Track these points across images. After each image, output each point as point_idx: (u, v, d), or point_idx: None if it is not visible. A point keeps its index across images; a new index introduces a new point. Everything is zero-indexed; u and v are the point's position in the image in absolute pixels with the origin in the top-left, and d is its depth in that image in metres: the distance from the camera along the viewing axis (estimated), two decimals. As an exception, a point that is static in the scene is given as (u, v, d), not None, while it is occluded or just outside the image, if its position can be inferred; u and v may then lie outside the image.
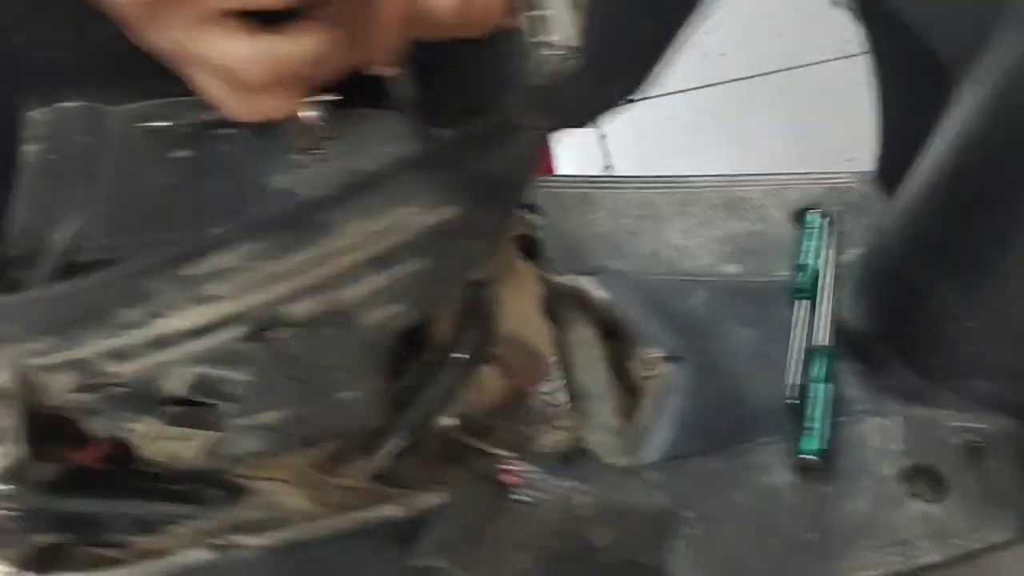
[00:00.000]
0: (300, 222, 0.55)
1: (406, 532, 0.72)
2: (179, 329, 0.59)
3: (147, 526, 0.66)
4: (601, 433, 0.91)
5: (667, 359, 1.03)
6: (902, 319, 1.00)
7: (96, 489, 0.64)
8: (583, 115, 0.60)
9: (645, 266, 1.08)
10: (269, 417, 0.66)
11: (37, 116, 0.81)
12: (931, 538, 0.90)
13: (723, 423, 0.99)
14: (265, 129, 0.81)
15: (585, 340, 0.99)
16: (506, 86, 0.58)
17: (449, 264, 0.66)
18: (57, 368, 0.59)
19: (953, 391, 0.97)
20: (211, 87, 0.51)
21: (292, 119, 0.81)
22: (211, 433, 0.67)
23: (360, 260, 0.59)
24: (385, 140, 0.80)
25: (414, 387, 0.73)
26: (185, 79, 0.58)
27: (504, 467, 0.73)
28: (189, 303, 0.57)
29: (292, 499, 0.71)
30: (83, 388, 0.61)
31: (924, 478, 0.94)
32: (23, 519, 0.60)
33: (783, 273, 1.08)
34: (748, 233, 1.11)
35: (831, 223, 1.10)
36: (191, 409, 0.65)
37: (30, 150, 0.79)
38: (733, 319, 1.06)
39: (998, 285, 0.89)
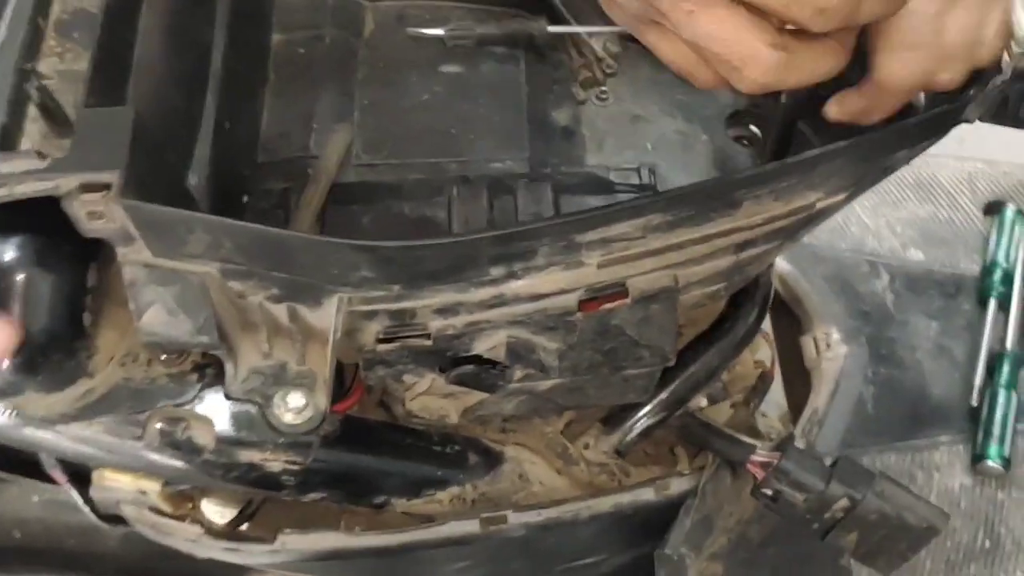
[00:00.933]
0: (720, 197, 0.48)
1: (655, 519, 0.68)
2: (523, 293, 0.53)
3: (413, 488, 0.62)
4: (768, 415, 0.88)
5: (845, 341, 0.99)
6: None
7: (370, 445, 0.59)
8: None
9: (830, 240, 1.03)
10: (548, 384, 0.61)
11: (284, 1, 0.72)
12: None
13: (900, 417, 0.96)
14: (543, 55, 0.74)
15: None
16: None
17: (781, 246, 0.60)
18: (379, 316, 0.53)
19: None
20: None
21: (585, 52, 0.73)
22: (477, 393, 0.62)
23: (734, 241, 0.54)
24: (672, 87, 0.73)
25: (679, 365, 0.68)
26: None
27: (756, 458, 0.69)
28: (557, 268, 0.51)
29: (541, 470, 0.67)
30: (388, 338, 0.55)
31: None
32: (301, 473, 0.55)
33: (970, 267, 1.04)
34: (936, 219, 1.06)
35: (1024, 221, 1.05)
36: (478, 369, 0.59)
37: (277, 40, 0.71)
38: (916, 309, 1.02)
39: None
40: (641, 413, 0.69)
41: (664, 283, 0.56)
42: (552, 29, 0.72)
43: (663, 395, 0.68)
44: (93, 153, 0.43)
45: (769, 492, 0.70)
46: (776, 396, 0.93)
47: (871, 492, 0.67)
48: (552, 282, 0.52)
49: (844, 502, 0.68)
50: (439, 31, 0.71)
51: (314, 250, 0.46)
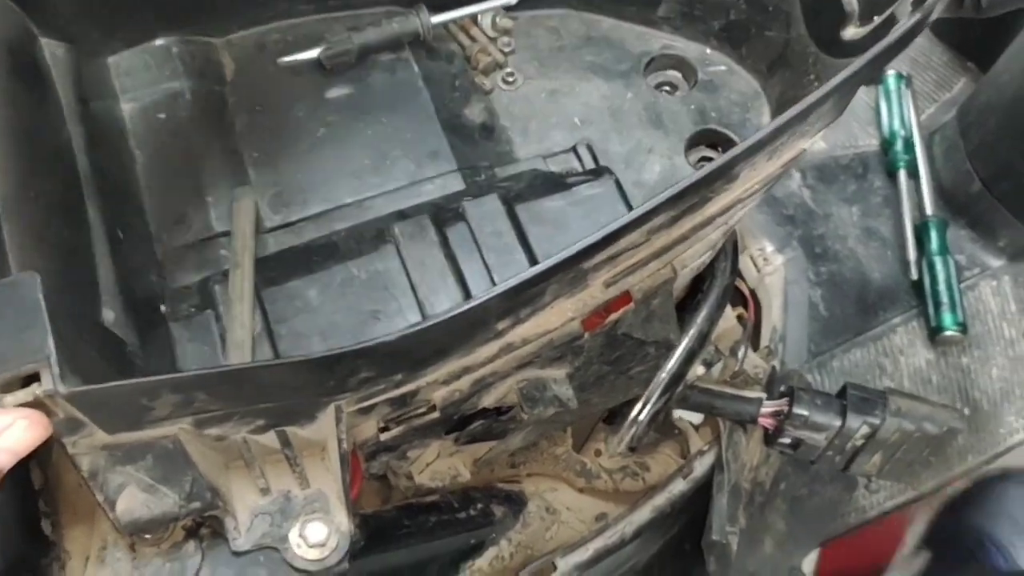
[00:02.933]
0: (720, 176, 0.43)
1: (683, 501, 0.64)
2: (530, 334, 0.46)
3: (452, 568, 0.55)
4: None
5: (780, 250, 0.97)
6: (1009, 178, 0.98)
7: (397, 540, 0.52)
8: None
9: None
10: (553, 408, 0.56)
11: (123, 62, 0.61)
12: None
13: (853, 311, 0.95)
14: (433, 49, 0.65)
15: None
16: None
17: (761, 198, 0.56)
18: (378, 407, 0.45)
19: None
20: None
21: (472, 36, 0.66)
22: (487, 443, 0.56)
23: (724, 206, 0.49)
24: (577, 49, 0.67)
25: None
26: None
27: (765, 410, 0.66)
28: (563, 299, 0.44)
29: (565, 496, 0.62)
30: (389, 424, 0.48)
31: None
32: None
33: (870, 143, 1.03)
34: (825, 104, 1.05)
35: (907, 84, 1.05)
36: (488, 422, 0.53)
37: (129, 109, 0.60)
38: (833, 198, 1.01)
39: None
40: (645, 403, 0.64)
41: (665, 276, 0.51)
42: (437, 19, 0.64)
43: (662, 378, 0.63)
44: (4, 342, 0.34)
45: (787, 440, 0.67)
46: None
47: (888, 414, 0.65)
48: (559, 314, 0.46)
49: (864, 429, 0.66)
50: (312, 53, 0.62)
51: (303, 371, 0.39)
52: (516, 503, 0.59)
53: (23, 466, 0.41)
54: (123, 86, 0.60)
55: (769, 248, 0.97)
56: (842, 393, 0.67)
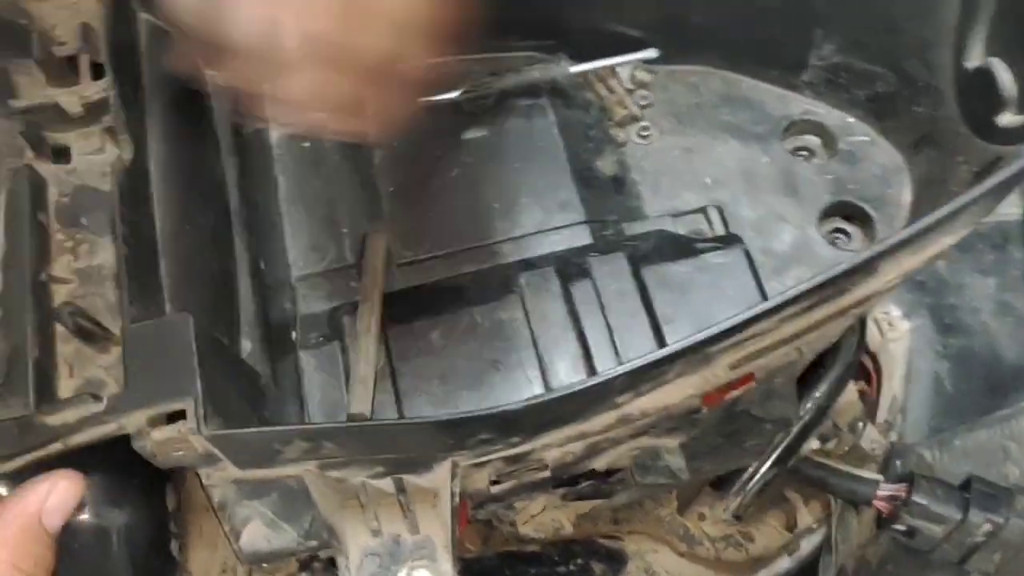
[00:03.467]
0: (861, 270, 0.42)
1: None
2: (649, 408, 0.46)
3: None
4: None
5: (907, 316, 0.93)
6: None
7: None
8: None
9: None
10: (661, 479, 0.55)
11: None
12: None
13: (980, 389, 0.91)
14: (570, 97, 0.66)
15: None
16: None
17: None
18: (492, 463, 0.46)
19: None
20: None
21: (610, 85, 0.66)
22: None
23: (860, 298, 0.47)
24: (716, 108, 0.66)
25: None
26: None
27: (881, 493, 0.64)
28: (686, 377, 0.44)
29: (665, 559, 0.61)
30: (500, 479, 0.49)
31: None
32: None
33: (1011, 211, 0.99)
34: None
35: (1059, 154, 1.00)
36: (597, 482, 0.53)
37: (277, 136, 0.62)
38: (969, 268, 0.97)
39: None
40: (756, 472, 0.63)
41: (790, 358, 0.50)
42: (576, 68, 0.65)
43: (778, 450, 0.62)
44: (155, 379, 0.36)
45: (902, 527, 0.65)
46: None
47: (1013, 514, 0.62)
48: (680, 391, 0.46)
49: (987, 527, 0.63)
50: (453, 94, 0.63)
51: (426, 432, 0.40)
52: (616, 561, 0.59)
53: (159, 489, 0.43)
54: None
55: (896, 313, 0.94)
56: (966, 485, 0.65)
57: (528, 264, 0.57)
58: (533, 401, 0.39)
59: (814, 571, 0.63)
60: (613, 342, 0.53)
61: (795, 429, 0.61)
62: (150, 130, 0.45)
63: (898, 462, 0.69)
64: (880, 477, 0.65)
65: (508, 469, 0.47)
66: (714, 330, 0.40)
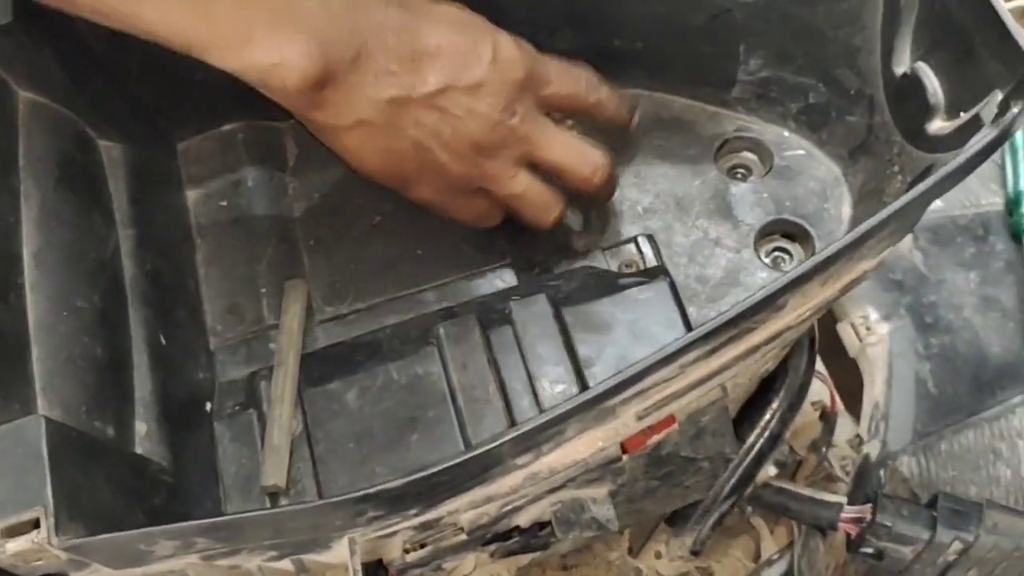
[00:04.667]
0: (763, 309, 0.40)
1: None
2: (557, 464, 0.44)
3: None
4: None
5: (885, 318, 0.90)
6: None
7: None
8: None
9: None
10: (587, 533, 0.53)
11: (191, 148, 0.62)
12: None
13: (966, 388, 0.88)
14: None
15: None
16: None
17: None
18: (400, 533, 0.44)
19: None
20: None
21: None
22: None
23: (770, 335, 0.45)
24: (645, 133, 0.64)
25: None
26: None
27: (846, 515, 0.61)
28: (590, 431, 0.42)
29: (619, 600, 0.59)
30: (415, 546, 0.47)
31: None
32: None
33: (993, 201, 0.96)
34: (943, 159, 0.98)
35: (1037, 139, 0.97)
36: (526, 536, 0.51)
37: (194, 196, 0.61)
38: (948, 262, 0.93)
39: None
40: (709, 506, 0.61)
41: (712, 397, 0.48)
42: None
43: (730, 481, 0.59)
44: (4, 488, 0.34)
45: (870, 550, 0.62)
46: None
47: (982, 530, 0.59)
48: (588, 445, 0.44)
49: (957, 545, 0.60)
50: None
51: (305, 517, 0.38)
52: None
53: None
54: (189, 173, 0.62)
55: (873, 316, 0.91)
56: (932, 502, 0.62)
57: (450, 313, 0.55)
58: (410, 478, 0.37)
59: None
60: (534, 390, 0.51)
61: (748, 458, 0.58)
62: (25, 215, 0.44)
63: (882, 472, 0.66)
64: (843, 499, 0.62)
65: (420, 537, 0.45)
66: (602, 387, 0.38)
